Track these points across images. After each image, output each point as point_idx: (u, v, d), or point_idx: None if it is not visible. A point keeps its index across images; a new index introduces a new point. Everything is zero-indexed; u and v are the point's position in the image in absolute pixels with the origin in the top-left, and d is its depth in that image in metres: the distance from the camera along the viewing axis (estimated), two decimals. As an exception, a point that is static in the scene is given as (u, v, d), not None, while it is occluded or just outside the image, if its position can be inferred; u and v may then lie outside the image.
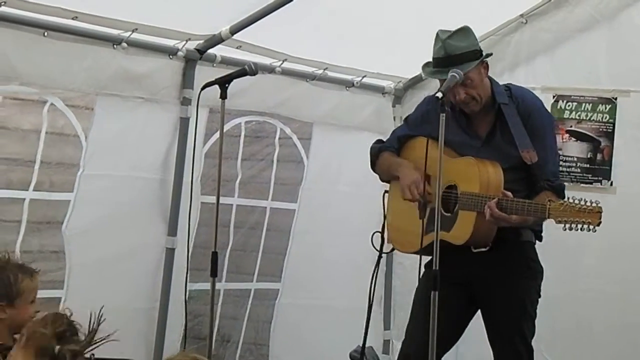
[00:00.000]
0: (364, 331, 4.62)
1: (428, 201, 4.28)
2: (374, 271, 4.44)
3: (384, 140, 4.61)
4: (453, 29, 4.20)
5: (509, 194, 4.11)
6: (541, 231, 4.36)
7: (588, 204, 3.94)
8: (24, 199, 4.65)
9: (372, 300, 4.50)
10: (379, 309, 5.74)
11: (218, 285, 5.44)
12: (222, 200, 5.52)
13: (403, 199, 4.34)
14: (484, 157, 4.26)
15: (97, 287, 4.65)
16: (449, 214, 4.13)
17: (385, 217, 4.52)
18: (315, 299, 5.74)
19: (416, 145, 4.41)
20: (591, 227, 3.94)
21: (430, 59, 4.31)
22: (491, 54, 4.29)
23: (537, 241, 4.38)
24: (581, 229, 3.96)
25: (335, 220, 5.76)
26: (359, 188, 5.61)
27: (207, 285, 4.38)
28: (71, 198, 4.70)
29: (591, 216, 3.95)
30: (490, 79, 4.28)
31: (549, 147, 4.32)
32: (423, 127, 4.36)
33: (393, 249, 4.57)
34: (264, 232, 5.70)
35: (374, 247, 4.49)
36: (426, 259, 4.21)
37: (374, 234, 4.48)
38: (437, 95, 3.89)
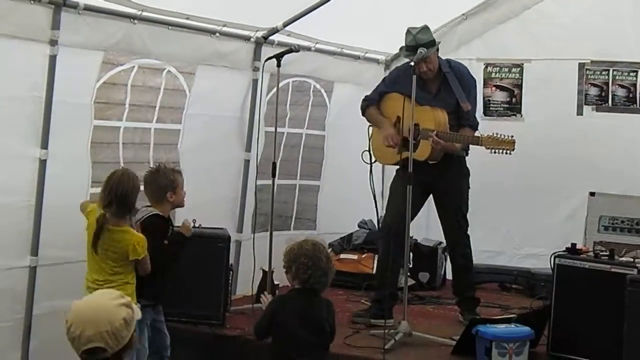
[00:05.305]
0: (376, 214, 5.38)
1: (402, 135, 4.99)
2: (370, 177, 5.11)
3: (368, 95, 5.34)
4: (418, 25, 5.03)
5: (447, 130, 4.92)
6: (468, 148, 5.21)
7: (506, 137, 4.78)
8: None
9: (375, 193, 5.13)
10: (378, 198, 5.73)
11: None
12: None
13: (385, 145, 5.06)
14: (435, 105, 5.02)
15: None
16: (414, 142, 4.78)
17: (370, 138, 5.24)
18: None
19: (392, 97, 5.20)
20: (508, 151, 4.80)
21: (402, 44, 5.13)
22: (440, 42, 5.08)
23: (466, 154, 5.24)
24: (501, 152, 4.83)
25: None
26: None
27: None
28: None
29: (508, 145, 4.78)
30: (438, 57, 5.05)
31: (472, 100, 5.14)
32: (395, 87, 5.15)
33: (375, 161, 5.22)
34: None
35: (363, 160, 5.21)
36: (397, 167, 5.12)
37: (363, 152, 5.23)
38: (410, 64, 4.75)
